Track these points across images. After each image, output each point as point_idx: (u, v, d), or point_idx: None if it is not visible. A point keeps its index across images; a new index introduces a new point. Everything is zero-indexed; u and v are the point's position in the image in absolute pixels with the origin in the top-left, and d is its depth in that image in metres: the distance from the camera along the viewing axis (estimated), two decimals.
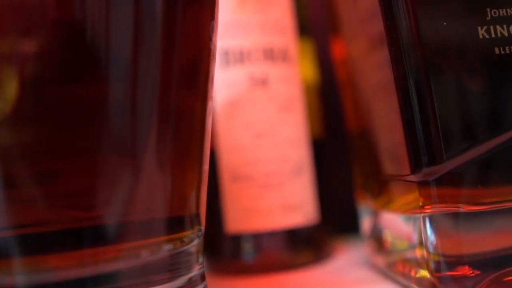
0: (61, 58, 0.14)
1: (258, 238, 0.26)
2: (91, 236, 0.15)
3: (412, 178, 0.18)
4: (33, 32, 0.13)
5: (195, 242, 0.18)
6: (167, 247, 0.17)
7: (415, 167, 0.18)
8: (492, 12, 0.18)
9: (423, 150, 0.18)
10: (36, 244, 0.14)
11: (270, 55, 0.27)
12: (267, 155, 0.26)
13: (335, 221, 0.31)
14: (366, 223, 0.27)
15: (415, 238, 0.20)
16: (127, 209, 0.15)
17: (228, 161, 0.26)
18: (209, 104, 0.17)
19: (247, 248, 0.26)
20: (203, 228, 0.19)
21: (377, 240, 0.25)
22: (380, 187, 0.24)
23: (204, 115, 0.17)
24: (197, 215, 0.18)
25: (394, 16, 0.19)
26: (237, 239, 0.26)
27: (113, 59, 0.14)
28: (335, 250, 0.30)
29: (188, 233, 0.18)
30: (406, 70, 0.18)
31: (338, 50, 0.32)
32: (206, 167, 0.17)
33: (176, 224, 0.17)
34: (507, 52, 0.17)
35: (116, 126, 0.14)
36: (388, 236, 0.24)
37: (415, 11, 0.18)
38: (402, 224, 0.22)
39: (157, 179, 0.16)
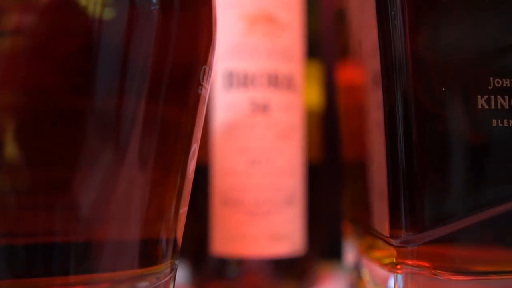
0: (45, 84, 0.14)
1: (242, 263, 0.26)
2: (63, 257, 0.14)
3: (390, 241, 0.18)
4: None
5: (169, 276, 0.18)
6: (142, 284, 0.17)
7: (394, 233, 0.17)
8: (495, 82, 0.17)
9: (405, 216, 0.17)
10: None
11: (274, 81, 0.26)
12: (259, 183, 0.26)
13: (323, 250, 0.31)
14: (349, 256, 0.27)
15: (390, 285, 0.20)
16: (102, 229, 0.15)
17: (220, 183, 0.26)
18: (194, 146, 0.17)
19: (231, 272, 0.26)
20: (177, 261, 0.19)
21: (358, 276, 0.25)
22: (365, 230, 0.24)
23: (187, 155, 0.17)
24: (174, 250, 0.18)
25: (393, 77, 0.18)
26: (221, 262, 0.26)
27: (95, 99, 0.14)
28: (319, 278, 0.30)
29: (163, 268, 0.18)
30: (398, 131, 0.18)
31: (343, 76, 0.31)
32: (184, 209, 0.17)
33: (151, 255, 0.17)
34: (505, 125, 0.17)
35: (92, 153, 0.14)
36: (367, 276, 0.24)
37: (416, 71, 0.18)
38: (380, 271, 0.21)
39: (133, 199, 0.16)
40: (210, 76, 0.17)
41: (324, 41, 0.32)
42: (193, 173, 0.17)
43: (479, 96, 0.17)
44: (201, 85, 0.16)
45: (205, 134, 0.27)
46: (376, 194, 0.23)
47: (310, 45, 0.28)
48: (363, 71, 0.27)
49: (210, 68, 0.17)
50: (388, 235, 0.18)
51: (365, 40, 0.25)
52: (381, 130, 0.20)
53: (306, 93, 0.28)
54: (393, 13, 0.18)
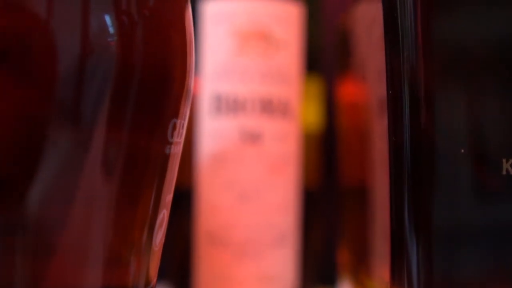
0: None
1: None
2: None
3: None
4: None
5: None
6: None
7: None
8: None
9: (408, 283, 0.15)
10: None
11: (268, 107, 0.24)
12: (249, 220, 0.23)
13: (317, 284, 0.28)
14: None
15: None
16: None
17: (206, 219, 0.24)
18: (162, 213, 0.14)
19: None
20: None
21: None
22: (361, 279, 0.22)
23: (153, 225, 0.14)
24: None
25: (401, 117, 0.15)
26: None
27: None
28: None
29: None
30: (405, 186, 0.15)
31: (344, 93, 0.28)
32: (153, 282, 0.15)
33: None
34: None
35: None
36: None
37: (429, 123, 0.15)
38: None
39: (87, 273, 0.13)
40: (184, 127, 0.15)
41: (324, 55, 0.29)
42: (161, 244, 0.15)
43: (504, 160, 0.14)
44: (170, 143, 0.14)
45: (190, 162, 0.24)
46: (376, 242, 0.21)
47: (309, 60, 0.26)
48: (366, 92, 0.24)
49: (184, 119, 0.14)
50: None
51: (371, 65, 0.22)
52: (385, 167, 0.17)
53: (304, 112, 0.26)
54: (405, 54, 0.15)
